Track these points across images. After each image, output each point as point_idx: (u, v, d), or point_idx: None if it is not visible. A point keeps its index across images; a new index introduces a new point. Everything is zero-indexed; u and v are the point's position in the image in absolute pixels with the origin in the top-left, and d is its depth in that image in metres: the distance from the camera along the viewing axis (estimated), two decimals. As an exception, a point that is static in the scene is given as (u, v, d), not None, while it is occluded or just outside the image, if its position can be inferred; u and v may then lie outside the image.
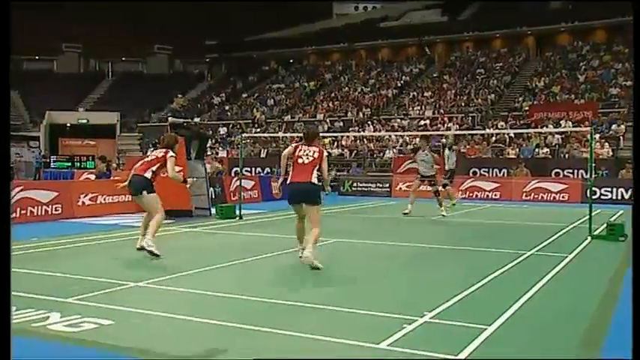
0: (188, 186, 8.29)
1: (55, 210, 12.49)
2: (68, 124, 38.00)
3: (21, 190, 11.95)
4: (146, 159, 8.29)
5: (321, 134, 12.95)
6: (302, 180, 7.12)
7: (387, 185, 22.37)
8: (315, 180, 7.10)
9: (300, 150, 7.34)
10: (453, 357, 3.88)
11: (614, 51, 34.01)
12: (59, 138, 36.04)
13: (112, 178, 16.45)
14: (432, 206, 14.60)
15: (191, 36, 45.74)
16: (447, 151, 16.33)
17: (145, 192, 7.85)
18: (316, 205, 7.12)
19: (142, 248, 7.84)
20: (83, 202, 13.15)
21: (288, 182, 7.32)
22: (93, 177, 17.88)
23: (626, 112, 26.14)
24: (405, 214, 13.90)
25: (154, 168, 7.98)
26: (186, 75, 49.50)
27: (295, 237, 7.51)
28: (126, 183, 8.19)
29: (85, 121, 38.43)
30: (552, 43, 39.22)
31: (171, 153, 8.08)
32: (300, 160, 7.24)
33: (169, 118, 13.61)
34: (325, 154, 7.44)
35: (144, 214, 8.20)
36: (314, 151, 7.27)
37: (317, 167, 7.20)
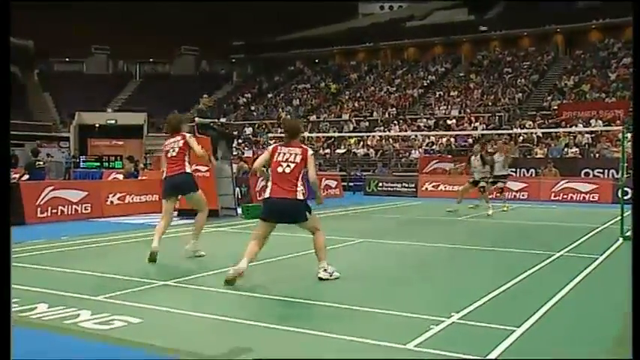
0: (212, 165, 8.09)
1: (85, 209, 12.71)
2: (97, 125, 38.59)
3: (52, 190, 12.18)
4: (171, 154, 7.55)
5: (346, 134, 12.85)
6: (285, 196, 5.81)
7: (413, 185, 22.23)
8: (300, 195, 5.84)
9: (279, 154, 5.91)
10: (481, 358, 3.84)
11: (647, 48, 33.28)
12: (88, 138, 36.63)
13: (139, 177, 16.69)
14: (463, 207, 14.54)
15: (217, 37, 46.10)
16: (496, 156, 16.15)
17: (193, 192, 7.56)
18: (308, 218, 5.99)
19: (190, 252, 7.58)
20: (112, 202, 13.36)
21: (266, 196, 5.97)
22: (121, 177, 18.14)
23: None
24: (449, 211, 14.45)
25: (186, 159, 7.55)
26: (212, 75, 49.88)
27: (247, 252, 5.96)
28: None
29: (113, 121, 38.96)
30: (582, 40, 38.56)
31: (187, 135, 7.63)
32: (279, 169, 5.84)
33: (196, 119, 13.71)
34: (310, 153, 5.98)
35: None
36: (296, 154, 5.87)
37: (301, 174, 5.87)
